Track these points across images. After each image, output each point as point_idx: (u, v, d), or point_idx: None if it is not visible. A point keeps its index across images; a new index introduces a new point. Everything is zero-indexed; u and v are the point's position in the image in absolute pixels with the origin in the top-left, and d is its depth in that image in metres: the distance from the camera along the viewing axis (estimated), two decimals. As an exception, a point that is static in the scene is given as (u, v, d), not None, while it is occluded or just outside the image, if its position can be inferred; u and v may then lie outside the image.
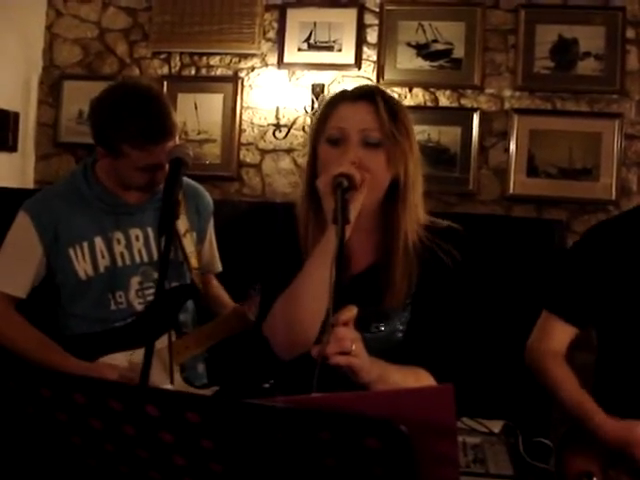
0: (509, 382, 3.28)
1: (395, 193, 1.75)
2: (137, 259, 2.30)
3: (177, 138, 2.21)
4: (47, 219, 2.25)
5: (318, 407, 0.96)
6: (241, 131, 4.35)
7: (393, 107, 1.75)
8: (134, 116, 2.13)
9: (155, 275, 2.31)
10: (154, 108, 2.16)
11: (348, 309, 1.51)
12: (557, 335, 2.25)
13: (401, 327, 1.79)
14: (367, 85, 1.86)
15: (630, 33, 4.07)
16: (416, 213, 1.77)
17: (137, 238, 2.31)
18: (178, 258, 2.31)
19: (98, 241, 2.28)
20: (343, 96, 1.79)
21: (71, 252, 2.26)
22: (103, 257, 2.27)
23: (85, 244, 2.26)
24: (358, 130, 1.70)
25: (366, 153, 1.69)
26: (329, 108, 1.78)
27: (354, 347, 1.50)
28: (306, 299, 1.66)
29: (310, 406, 0.96)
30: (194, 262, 2.35)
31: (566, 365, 2.22)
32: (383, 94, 1.77)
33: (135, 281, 2.30)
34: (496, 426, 3.36)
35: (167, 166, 2.14)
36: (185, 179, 2.22)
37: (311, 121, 4.15)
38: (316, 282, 1.63)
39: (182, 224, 2.30)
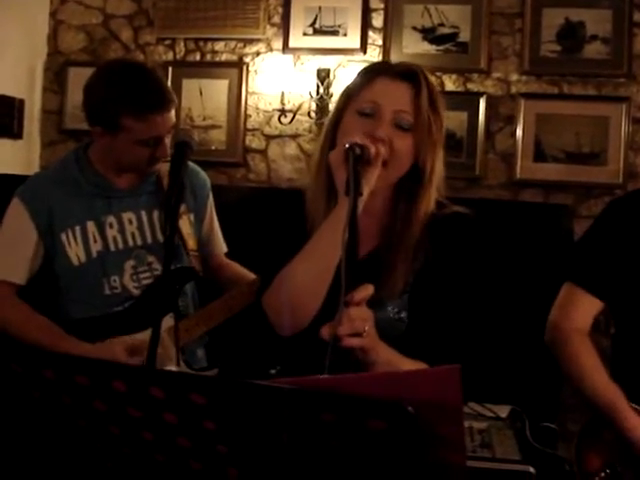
0: (516, 367, 3.28)
1: (412, 180, 1.70)
2: (130, 243, 2.30)
3: (174, 115, 2.21)
4: (40, 204, 2.25)
5: (323, 388, 0.96)
6: (246, 117, 4.33)
7: (434, 94, 1.68)
8: (132, 87, 2.14)
9: (149, 258, 2.31)
10: (150, 79, 2.19)
11: (364, 288, 1.45)
12: (582, 310, 2.20)
13: (398, 315, 1.72)
14: (411, 64, 1.75)
15: (637, 16, 4.02)
16: (432, 202, 1.72)
17: (130, 222, 2.31)
18: (175, 240, 2.30)
19: (90, 225, 2.27)
20: (383, 69, 1.72)
21: (63, 237, 2.26)
22: (95, 241, 2.27)
23: (77, 229, 2.26)
24: (393, 110, 1.64)
25: (395, 134, 1.63)
26: (365, 79, 1.70)
27: (366, 327, 1.45)
28: (311, 271, 1.61)
29: (314, 387, 0.96)
30: (191, 244, 2.34)
31: (593, 350, 2.16)
32: (426, 78, 1.69)
33: (129, 265, 2.29)
34: (503, 411, 3.36)
35: (168, 142, 2.18)
36: None
37: (317, 105, 4.13)
38: (323, 254, 1.58)
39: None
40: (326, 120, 1.81)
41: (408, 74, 1.67)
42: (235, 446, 1.05)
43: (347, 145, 1.52)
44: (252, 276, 2.47)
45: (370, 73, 1.71)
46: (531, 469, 2.86)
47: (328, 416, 0.95)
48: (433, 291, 1.71)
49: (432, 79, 1.73)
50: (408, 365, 1.58)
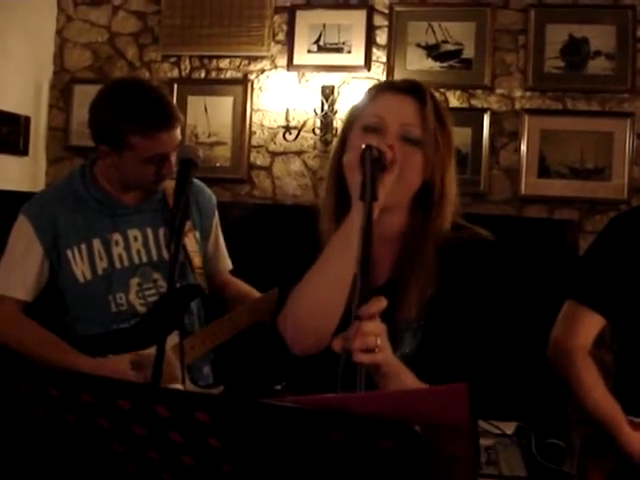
0: (522, 384, 3.27)
1: (423, 198, 1.64)
2: (136, 260, 2.30)
3: (180, 132, 2.21)
4: (46, 221, 2.25)
5: (329, 407, 0.95)
6: (251, 133, 4.35)
7: (439, 108, 1.64)
8: (138, 105, 2.15)
9: (155, 275, 2.31)
10: (155, 97, 2.19)
11: (377, 301, 1.38)
12: (584, 327, 2.19)
13: (412, 344, 1.66)
14: (414, 80, 1.72)
15: (641, 32, 4.05)
16: (447, 223, 1.66)
17: (136, 239, 2.31)
18: (180, 258, 2.29)
19: (96, 243, 2.27)
20: (388, 85, 1.71)
21: (69, 254, 2.26)
22: (101, 259, 2.27)
23: (83, 246, 2.26)
24: (399, 123, 1.59)
25: (403, 148, 1.57)
26: (370, 96, 1.68)
27: (379, 342, 1.37)
28: (328, 283, 1.55)
29: (321, 406, 0.95)
30: (197, 262, 2.34)
31: (594, 367, 2.16)
32: (431, 93, 1.66)
33: (134, 282, 2.29)
34: (509, 428, 3.35)
35: (173, 159, 2.17)
36: None
37: (321, 122, 4.14)
38: (339, 263, 1.52)
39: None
40: (334, 142, 1.77)
41: (412, 88, 1.64)
42: (240, 465, 1.04)
43: (364, 146, 1.48)
44: (256, 293, 2.47)
45: (374, 90, 1.69)
46: (537, 486, 2.85)
47: (334, 435, 0.95)
48: (447, 320, 1.63)
49: (437, 95, 1.71)
50: (410, 381, 1.52)
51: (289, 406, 0.94)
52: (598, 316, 2.19)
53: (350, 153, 1.54)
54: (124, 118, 2.14)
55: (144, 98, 2.17)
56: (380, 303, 1.38)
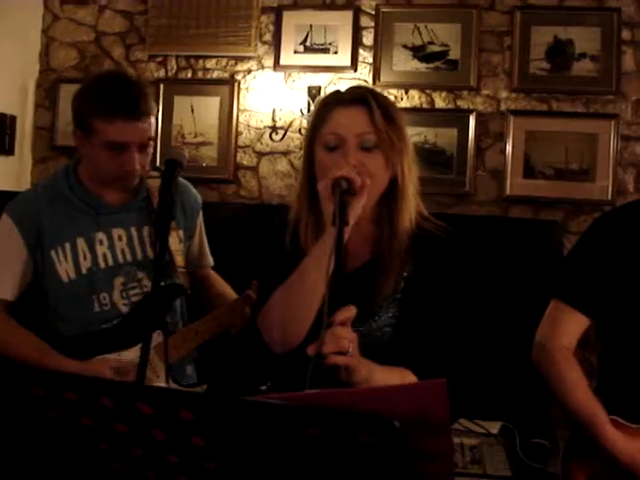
0: (507, 383, 3.29)
1: (392, 192, 1.78)
2: (120, 259, 2.29)
3: (148, 128, 2.21)
4: (29, 221, 2.25)
5: (310, 404, 0.96)
6: (237, 134, 4.35)
7: (386, 108, 1.77)
8: (105, 91, 2.16)
9: (139, 275, 2.30)
10: (126, 85, 2.19)
11: (347, 309, 1.53)
12: (568, 327, 2.20)
13: (389, 321, 1.80)
14: (360, 87, 1.91)
15: (625, 34, 4.08)
16: (412, 211, 1.80)
17: (120, 238, 2.30)
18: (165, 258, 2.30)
19: (80, 242, 2.27)
20: (336, 100, 1.80)
21: (53, 254, 2.25)
22: (85, 258, 2.26)
23: (67, 245, 2.25)
24: (354, 135, 1.73)
25: (364, 156, 1.72)
26: (323, 113, 1.80)
27: (351, 347, 1.52)
28: (301, 296, 1.70)
29: (302, 403, 0.96)
30: (179, 261, 2.34)
31: (577, 367, 2.17)
32: (376, 96, 1.79)
33: (118, 282, 2.28)
34: (494, 427, 3.36)
35: (138, 156, 2.18)
36: None
37: (307, 123, 4.15)
38: (313, 278, 1.66)
39: None
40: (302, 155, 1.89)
41: (359, 98, 1.77)
42: (223, 462, 1.05)
43: (333, 179, 1.62)
44: (231, 291, 2.49)
45: (326, 106, 1.81)
46: (521, 485, 2.87)
47: (315, 431, 0.96)
48: (420, 303, 1.79)
49: (383, 95, 1.85)
50: (381, 375, 1.64)
51: (271, 403, 0.95)
52: (582, 316, 2.20)
53: (323, 181, 1.68)
54: (90, 100, 2.17)
55: (114, 85, 2.18)
56: (350, 311, 1.54)
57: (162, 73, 4.48)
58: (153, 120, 2.23)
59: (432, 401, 0.95)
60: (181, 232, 2.38)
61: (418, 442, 0.98)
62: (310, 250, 1.73)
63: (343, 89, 1.86)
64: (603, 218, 2.31)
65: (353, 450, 0.96)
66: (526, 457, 3.14)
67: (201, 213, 2.49)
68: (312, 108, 4.12)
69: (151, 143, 2.25)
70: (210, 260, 2.58)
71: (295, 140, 4.24)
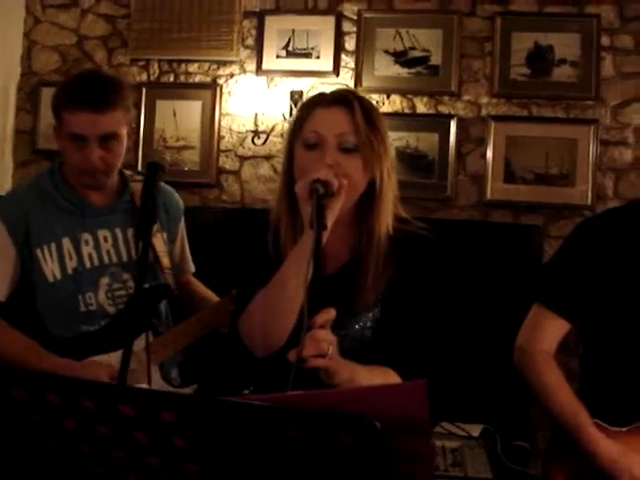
0: (488, 386, 3.31)
1: (370, 195, 1.79)
2: (106, 260, 2.31)
3: (114, 124, 2.22)
4: (17, 220, 2.25)
5: (292, 405, 0.97)
6: (220, 138, 4.35)
7: (369, 111, 1.78)
8: (77, 83, 2.20)
9: (124, 276, 2.32)
10: (97, 80, 2.21)
11: (326, 312, 1.54)
12: (549, 332, 2.23)
13: (369, 324, 1.81)
14: (343, 89, 1.89)
15: (605, 40, 4.11)
16: (390, 214, 1.81)
17: (105, 239, 2.32)
18: (149, 258, 2.31)
19: (66, 242, 2.28)
20: (319, 100, 1.82)
21: (39, 253, 2.25)
22: (71, 259, 2.27)
23: (53, 245, 2.26)
24: (334, 135, 1.73)
25: (343, 157, 1.72)
26: (305, 112, 1.81)
27: (330, 350, 1.53)
28: (281, 301, 1.70)
29: (284, 404, 0.97)
30: (166, 262, 2.36)
31: (558, 369, 2.20)
32: (359, 99, 1.80)
33: (104, 282, 2.30)
34: (475, 430, 3.38)
35: (99, 152, 2.19)
36: None
37: (289, 124, 4.16)
38: (292, 283, 1.66)
39: None
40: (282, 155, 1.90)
41: (341, 98, 1.78)
42: (205, 464, 1.06)
43: (310, 182, 1.62)
44: (214, 296, 2.51)
45: (308, 106, 1.83)
46: (502, 487, 2.88)
47: (297, 432, 0.97)
48: (402, 304, 1.79)
49: (365, 98, 1.86)
50: (364, 376, 1.65)
51: (253, 404, 0.96)
52: (563, 321, 2.23)
53: (300, 183, 1.68)
54: (62, 93, 2.21)
55: (85, 78, 2.21)
56: (329, 314, 1.54)
57: (144, 77, 4.47)
58: (121, 116, 2.23)
59: (412, 402, 0.96)
60: (165, 235, 2.40)
61: (399, 443, 0.99)
62: (289, 254, 1.74)
63: (326, 91, 1.87)
64: (585, 224, 2.34)
65: (335, 451, 0.96)
66: (507, 459, 3.16)
67: (183, 219, 2.52)
68: (294, 112, 4.14)
69: (120, 139, 2.25)
70: (191, 266, 2.60)
71: (277, 144, 4.24)
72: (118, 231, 2.34)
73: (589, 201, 4.01)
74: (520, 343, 2.26)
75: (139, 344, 2.16)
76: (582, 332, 2.29)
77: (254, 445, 1.00)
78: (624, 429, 2.10)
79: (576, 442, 2.08)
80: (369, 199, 1.79)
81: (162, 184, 2.39)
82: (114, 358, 2.17)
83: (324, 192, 1.61)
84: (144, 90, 4.41)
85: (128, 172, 2.42)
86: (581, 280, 2.19)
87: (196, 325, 2.31)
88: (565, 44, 4.11)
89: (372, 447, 0.94)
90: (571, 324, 2.23)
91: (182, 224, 2.52)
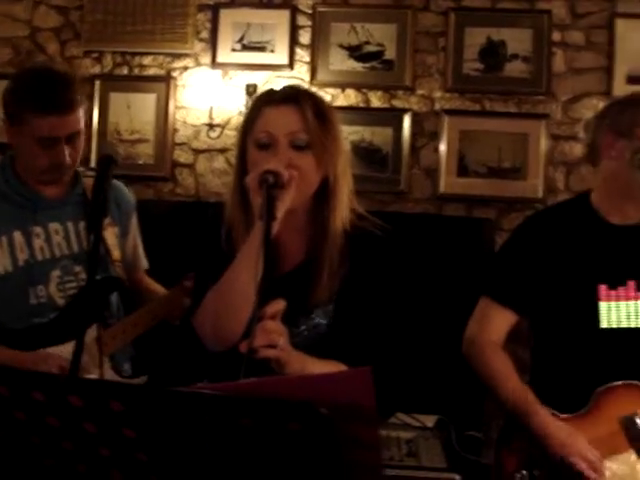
0: (442, 378, 3.35)
1: (325, 192, 1.79)
2: (57, 253, 2.30)
3: (77, 121, 2.23)
4: None
5: (239, 393, 0.98)
6: (174, 131, 4.32)
7: (319, 108, 1.78)
8: (38, 85, 2.18)
9: (76, 268, 2.32)
10: (55, 79, 2.20)
11: (276, 302, 1.56)
12: (496, 323, 2.28)
13: (324, 321, 1.82)
14: (293, 87, 1.89)
15: (556, 36, 4.18)
16: (345, 211, 1.81)
17: (57, 232, 2.31)
18: (100, 251, 2.30)
19: (17, 235, 2.27)
20: (269, 99, 1.81)
21: None
22: (22, 251, 2.27)
23: (4, 238, 2.25)
24: (286, 133, 1.73)
25: (295, 155, 1.72)
26: (255, 111, 1.80)
27: (281, 341, 1.54)
28: (234, 294, 1.69)
29: (231, 392, 0.98)
30: (116, 254, 2.36)
31: (506, 357, 2.26)
32: (309, 96, 1.81)
33: (55, 275, 2.29)
34: (430, 420, 3.42)
35: (68, 149, 2.20)
36: None
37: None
38: (244, 278, 1.66)
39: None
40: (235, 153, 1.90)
41: (291, 97, 1.78)
42: (155, 454, 1.06)
43: (260, 173, 1.63)
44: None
45: (258, 104, 1.82)
46: (457, 477, 2.92)
47: (246, 420, 0.98)
48: (356, 300, 1.80)
49: (316, 95, 1.86)
50: (317, 368, 1.66)
51: (201, 393, 0.97)
52: (510, 313, 2.28)
53: (251, 174, 1.68)
54: (21, 95, 2.19)
55: (43, 79, 2.20)
56: (279, 305, 1.56)
57: (97, 69, 4.43)
58: (81, 112, 2.25)
59: (358, 389, 0.98)
60: (117, 229, 2.40)
61: (346, 430, 1.01)
62: (240, 248, 1.74)
63: (277, 88, 1.86)
64: (531, 218, 2.39)
65: (284, 438, 0.98)
66: (461, 449, 3.21)
67: (135, 215, 2.52)
68: (246, 109, 4.14)
69: (82, 134, 2.27)
70: (145, 262, 2.60)
71: (232, 138, 4.23)
72: (70, 224, 2.33)
73: (540, 194, 4.08)
74: (469, 334, 2.31)
75: (89, 335, 2.16)
76: (532, 323, 2.35)
77: (204, 434, 1.01)
78: (572, 415, 2.16)
79: (527, 427, 2.13)
80: (324, 196, 1.79)
81: (114, 180, 2.40)
82: (65, 350, 2.16)
83: (274, 182, 1.61)
84: (97, 83, 4.36)
85: (80, 168, 2.42)
86: (527, 273, 2.24)
87: (146, 316, 2.32)
88: (517, 39, 4.17)
89: (320, 434, 0.96)
90: (518, 316, 2.28)
91: (134, 220, 2.52)
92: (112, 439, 1.07)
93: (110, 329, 2.27)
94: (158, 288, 2.58)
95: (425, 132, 4.20)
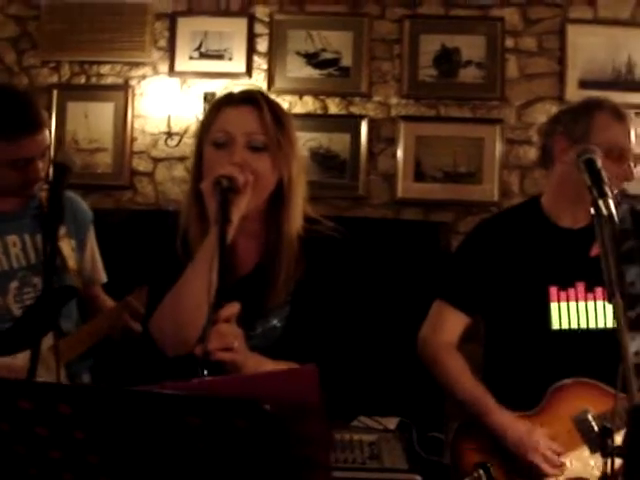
0: (404, 380, 3.38)
1: (280, 195, 1.81)
2: (15, 264, 2.30)
3: (46, 136, 2.23)
4: None
5: (187, 392, 1.00)
6: (133, 140, 4.32)
7: (277, 112, 1.80)
8: (3, 110, 2.18)
9: (34, 280, 2.32)
10: (19, 102, 2.21)
11: (230, 306, 1.56)
12: (449, 324, 2.33)
13: (280, 323, 1.83)
14: (251, 89, 1.90)
15: (509, 42, 4.26)
16: (299, 214, 1.83)
17: (14, 244, 2.31)
18: (56, 261, 2.31)
19: None
20: (228, 100, 1.82)
21: None
22: None
23: None
24: (243, 133, 1.74)
25: (251, 156, 1.74)
26: (214, 112, 1.81)
27: (236, 343, 1.56)
28: (190, 299, 1.69)
29: (178, 391, 1.00)
30: (72, 264, 2.36)
31: (460, 357, 2.30)
32: (267, 99, 1.82)
33: (13, 286, 2.29)
34: (392, 423, 3.46)
35: (41, 164, 2.21)
36: None
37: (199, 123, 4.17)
38: (199, 282, 1.66)
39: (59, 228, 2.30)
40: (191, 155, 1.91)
41: (250, 98, 1.80)
42: (105, 455, 1.08)
43: (215, 177, 1.64)
44: None
45: (217, 105, 1.83)
46: (418, 477, 2.96)
47: (194, 419, 1.00)
48: (312, 303, 1.82)
49: (273, 99, 1.87)
50: (270, 368, 1.66)
51: (148, 392, 0.98)
52: (463, 315, 2.33)
53: (205, 179, 1.70)
54: None
55: (7, 104, 2.19)
56: (233, 308, 1.57)
57: (55, 79, 4.41)
58: (48, 127, 2.27)
59: (304, 386, 1.01)
60: (73, 242, 2.40)
61: (292, 427, 1.03)
62: (196, 253, 1.74)
63: (235, 91, 1.87)
64: (482, 223, 2.45)
65: (232, 436, 1.00)
66: (423, 450, 3.24)
67: (92, 228, 2.52)
68: (204, 111, 4.14)
69: (50, 147, 2.29)
70: (103, 276, 2.60)
71: (191, 146, 4.18)
72: (27, 236, 2.33)
73: (496, 198, 4.15)
74: (422, 336, 2.36)
75: (45, 344, 2.16)
76: (485, 324, 2.40)
77: (152, 433, 1.03)
78: (525, 414, 2.20)
79: (484, 426, 2.18)
80: (278, 199, 1.81)
81: (70, 192, 2.41)
82: (19, 359, 2.16)
83: (228, 186, 1.63)
84: (55, 92, 4.34)
85: None
86: (480, 276, 2.29)
87: (102, 325, 2.33)
88: (471, 46, 4.24)
89: (266, 431, 0.98)
90: (472, 318, 2.33)
91: (92, 233, 2.53)
92: (63, 442, 1.08)
93: (66, 338, 2.27)
94: (110, 304, 2.57)
95: (382, 138, 4.25)
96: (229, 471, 1.06)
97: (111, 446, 1.06)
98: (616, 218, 1.51)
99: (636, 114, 4.12)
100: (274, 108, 1.81)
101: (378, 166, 4.25)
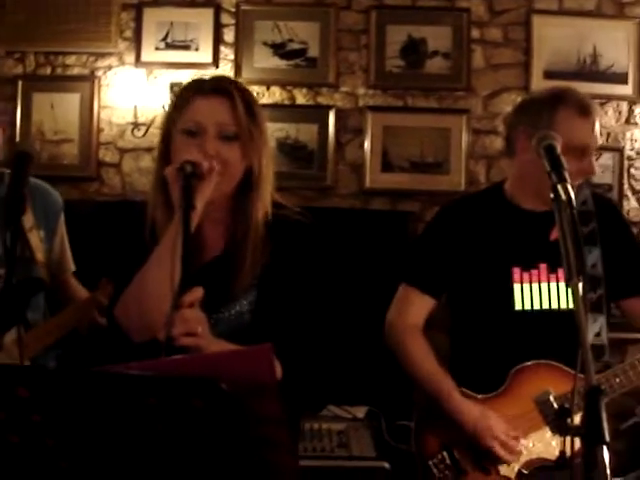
0: (372, 369, 3.40)
1: (247, 184, 1.82)
2: None
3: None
4: None
5: (143, 372, 1.01)
6: (99, 130, 4.29)
7: (248, 102, 1.80)
8: None
9: (0, 271, 2.28)
10: None
11: (194, 291, 1.57)
12: (414, 308, 2.35)
13: (247, 308, 1.84)
14: (222, 78, 1.91)
15: (475, 33, 4.29)
16: (267, 203, 1.84)
17: None
18: (25, 254, 2.29)
19: None
20: (199, 88, 1.81)
21: None
22: None
23: None
24: (214, 124, 1.75)
25: (222, 146, 1.75)
26: (184, 100, 1.80)
27: (200, 329, 1.57)
28: (154, 284, 1.70)
29: (134, 371, 1.01)
30: (40, 257, 2.34)
31: (424, 341, 2.32)
32: (238, 88, 1.82)
33: None
34: (360, 412, 3.48)
35: None
36: (32, 179, 2.21)
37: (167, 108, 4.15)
38: (163, 267, 1.65)
39: (27, 220, 2.28)
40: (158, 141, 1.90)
41: (221, 88, 1.79)
42: (63, 438, 1.08)
43: (179, 164, 1.65)
44: None
45: (187, 94, 1.81)
46: (386, 465, 2.99)
47: (151, 399, 1.01)
48: (279, 288, 1.83)
49: (245, 87, 1.87)
50: None
51: (105, 373, 0.99)
52: (428, 298, 2.35)
53: (170, 165, 1.71)
54: None
55: None
56: (197, 293, 1.57)
57: (20, 70, 4.36)
58: None
59: (259, 366, 1.02)
60: (42, 232, 2.38)
61: (249, 405, 1.04)
62: (161, 238, 1.74)
63: (206, 78, 1.86)
64: (447, 207, 2.46)
65: (189, 416, 1.01)
66: (391, 438, 3.27)
67: (62, 215, 2.50)
68: (172, 97, 4.13)
69: None
70: (71, 265, 2.58)
71: (158, 136, 4.20)
72: None
73: (463, 187, 4.18)
74: (389, 319, 2.38)
75: (9, 337, 2.14)
76: (450, 307, 2.42)
77: (110, 415, 1.03)
78: (489, 396, 2.23)
79: (441, 409, 2.20)
80: (247, 187, 1.82)
81: (39, 181, 2.39)
82: None
83: (191, 172, 1.63)
84: (20, 83, 4.30)
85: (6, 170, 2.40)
86: (444, 259, 2.31)
87: (69, 318, 2.31)
88: (437, 37, 4.26)
89: (222, 409, 0.99)
90: (436, 300, 2.35)
91: (61, 221, 2.50)
92: (21, 425, 1.08)
93: (33, 331, 2.25)
94: (83, 292, 2.56)
95: (349, 128, 4.26)
96: (188, 451, 1.06)
97: (69, 429, 1.06)
98: (574, 203, 1.52)
99: (601, 104, 4.20)
100: (246, 97, 1.81)
101: (346, 156, 4.26)
